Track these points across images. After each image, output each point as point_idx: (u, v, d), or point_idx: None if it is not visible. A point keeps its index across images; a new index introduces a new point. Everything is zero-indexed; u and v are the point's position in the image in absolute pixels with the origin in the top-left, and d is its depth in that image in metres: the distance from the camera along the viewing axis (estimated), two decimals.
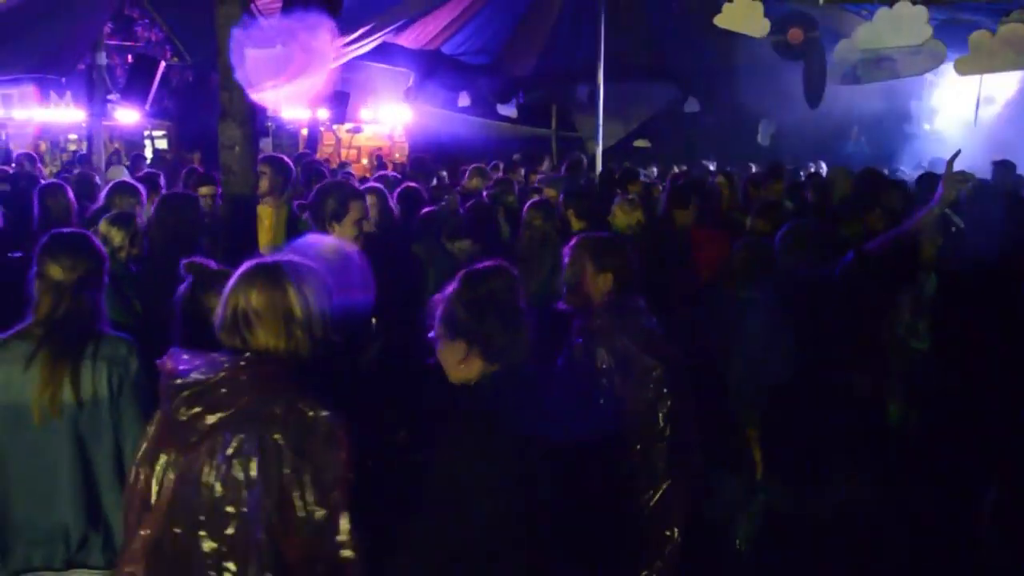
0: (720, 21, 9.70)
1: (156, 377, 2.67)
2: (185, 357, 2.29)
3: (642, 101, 16.41)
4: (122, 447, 2.75)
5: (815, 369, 3.87)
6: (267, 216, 5.35)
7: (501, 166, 11.53)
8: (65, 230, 3.05)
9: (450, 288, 2.60)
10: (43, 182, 6.71)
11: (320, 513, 2.17)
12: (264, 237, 5.14)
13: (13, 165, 17.15)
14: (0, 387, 2.71)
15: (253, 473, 2.16)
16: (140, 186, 5.99)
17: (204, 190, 6.40)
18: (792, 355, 3.88)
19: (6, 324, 2.98)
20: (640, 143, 18.30)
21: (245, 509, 2.15)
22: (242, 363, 2.23)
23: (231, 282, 2.33)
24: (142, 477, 2.29)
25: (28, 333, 2.77)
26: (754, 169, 11.02)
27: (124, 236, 4.54)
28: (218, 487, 2.17)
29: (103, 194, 5.95)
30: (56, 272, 2.78)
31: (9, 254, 5.08)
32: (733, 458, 4.04)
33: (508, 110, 16.19)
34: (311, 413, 2.20)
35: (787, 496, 3.98)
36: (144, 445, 2.34)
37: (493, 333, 2.47)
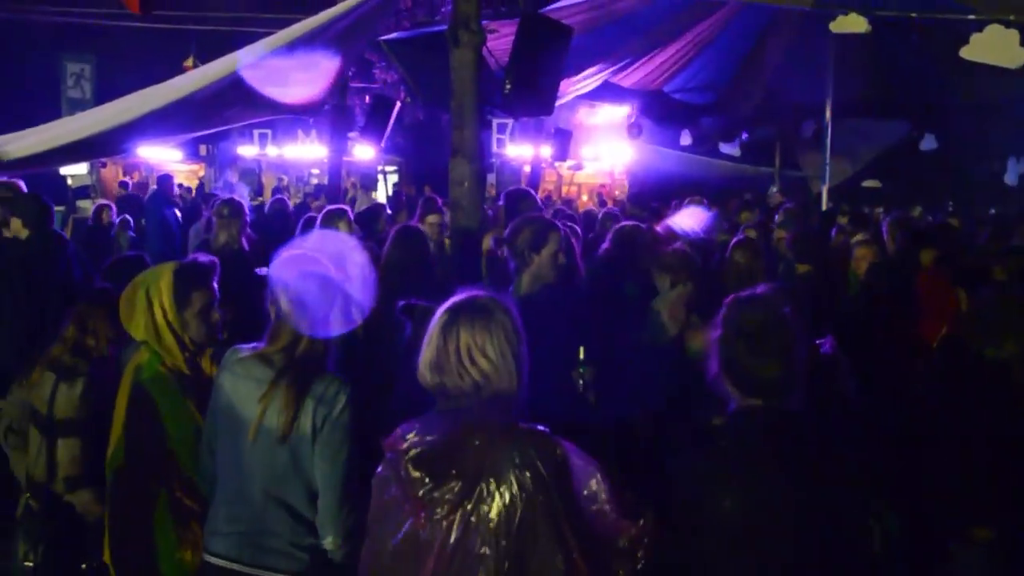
0: (968, 53, 9.05)
1: (361, 414, 2.79)
2: (412, 430, 2.20)
3: (872, 138, 15.68)
4: (312, 481, 2.80)
5: None
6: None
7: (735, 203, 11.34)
8: (294, 255, 2.99)
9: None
10: (310, 213, 7.26)
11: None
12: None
13: (260, 198, 18.69)
14: (231, 397, 2.89)
15: (520, 533, 2.06)
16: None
17: (432, 219, 6.69)
18: None
19: (246, 335, 3.15)
20: (869, 183, 17.47)
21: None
22: (472, 424, 2.14)
23: (442, 319, 2.27)
24: (394, 549, 2.20)
25: (267, 358, 2.86)
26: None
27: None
28: (481, 558, 2.07)
29: (319, 219, 6.30)
30: (280, 302, 2.84)
31: (256, 270, 5.54)
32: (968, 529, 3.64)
33: (731, 148, 15.93)
34: (560, 451, 2.12)
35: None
36: (379, 514, 2.28)
37: (735, 359, 2.38)
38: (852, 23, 8.93)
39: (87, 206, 16.19)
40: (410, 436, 2.17)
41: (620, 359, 4.00)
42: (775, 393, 2.36)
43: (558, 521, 2.06)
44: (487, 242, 5.60)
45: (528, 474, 2.07)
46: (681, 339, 4.37)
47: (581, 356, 3.66)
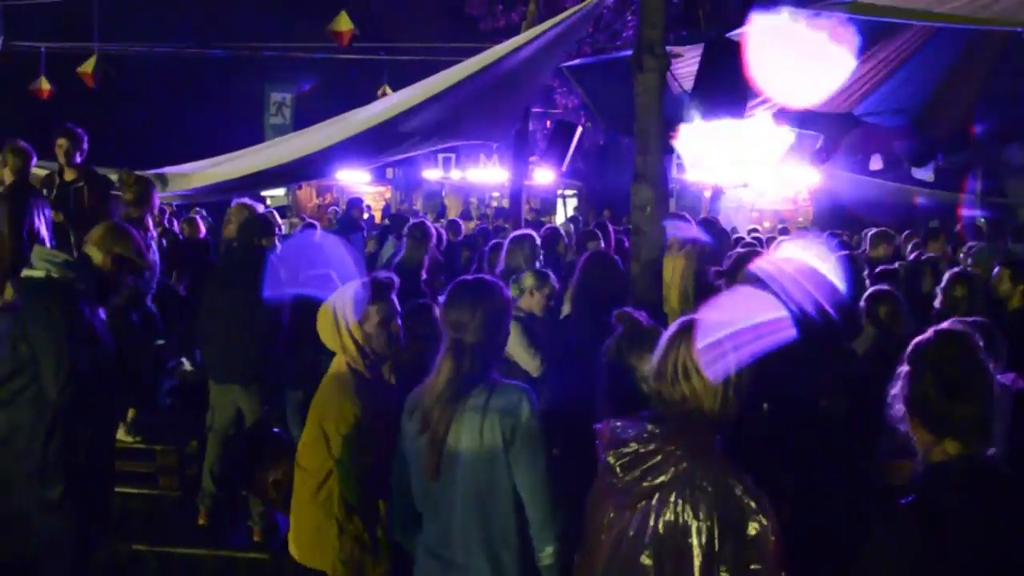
0: None
1: (546, 422, 2.82)
2: (619, 424, 2.39)
3: None
4: (519, 492, 2.77)
5: None
6: (675, 268, 5.56)
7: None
8: (469, 278, 3.01)
9: None
10: (493, 241, 7.53)
11: None
12: (673, 287, 5.30)
13: (442, 220, 19.35)
14: (410, 435, 2.92)
15: (676, 544, 2.21)
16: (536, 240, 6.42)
17: (591, 244, 6.87)
18: None
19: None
20: None
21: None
22: (673, 432, 2.29)
23: (672, 332, 2.39)
24: (592, 524, 2.45)
25: (432, 382, 2.90)
26: None
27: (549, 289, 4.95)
28: (645, 556, 2.26)
29: (507, 244, 6.42)
30: (449, 324, 2.87)
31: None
32: None
33: (924, 174, 15.14)
34: (739, 493, 2.20)
35: None
36: (591, 496, 2.49)
37: (925, 397, 2.24)
38: None
39: (284, 224, 17.23)
40: (617, 427, 2.38)
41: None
42: (970, 436, 2.19)
43: (712, 554, 2.16)
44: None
45: (702, 500, 2.20)
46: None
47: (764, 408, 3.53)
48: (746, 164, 12.24)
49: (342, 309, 3.44)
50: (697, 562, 2.17)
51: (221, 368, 5.65)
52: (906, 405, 2.29)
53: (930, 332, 2.36)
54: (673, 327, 2.41)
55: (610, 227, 8.71)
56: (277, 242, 6.00)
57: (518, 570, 2.79)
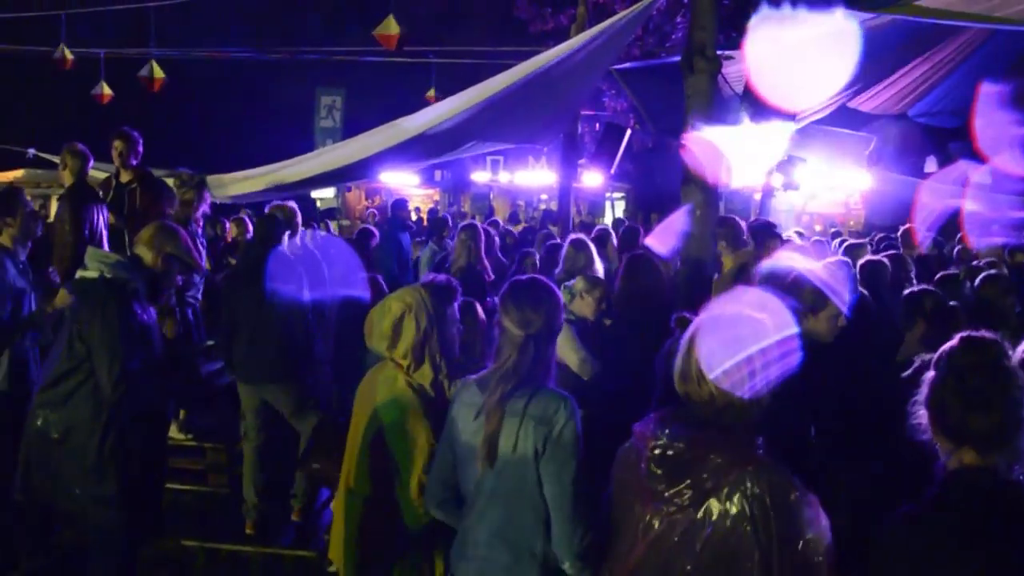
0: None
1: (584, 430, 2.74)
2: (657, 424, 2.33)
3: None
4: (545, 500, 2.73)
5: None
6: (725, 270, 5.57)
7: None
8: (525, 278, 2.98)
9: None
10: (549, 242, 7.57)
11: None
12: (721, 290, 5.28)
13: (488, 220, 19.41)
14: (460, 427, 2.88)
15: (731, 551, 2.16)
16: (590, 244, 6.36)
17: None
18: None
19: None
20: None
21: None
22: (717, 438, 2.24)
23: (691, 333, 2.33)
24: (624, 526, 2.41)
25: (485, 381, 2.86)
26: None
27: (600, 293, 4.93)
28: (693, 562, 2.20)
29: (563, 250, 6.36)
30: (509, 322, 2.82)
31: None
32: None
33: (981, 176, 14.82)
34: (793, 498, 2.16)
35: None
36: (617, 491, 2.47)
37: (944, 404, 2.18)
38: None
39: (332, 226, 17.42)
40: (659, 433, 2.31)
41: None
42: (988, 448, 2.13)
43: (767, 558, 2.12)
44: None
45: (755, 506, 2.15)
46: None
47: (812, 433, 3.45)
48: (751, 163, 12.04)
49: (424, 317, 3.34)
50: (756, 565, 2.11)
51: (247, 367, 5.66)
52: (927, 411, 2.23)
53: (956, 338, 2.28)
54: (693, 326, 2.35)
55: (640, 229, 8.72)
56: (285, 240, 5.91)
57: (538, 573, 2.75)
